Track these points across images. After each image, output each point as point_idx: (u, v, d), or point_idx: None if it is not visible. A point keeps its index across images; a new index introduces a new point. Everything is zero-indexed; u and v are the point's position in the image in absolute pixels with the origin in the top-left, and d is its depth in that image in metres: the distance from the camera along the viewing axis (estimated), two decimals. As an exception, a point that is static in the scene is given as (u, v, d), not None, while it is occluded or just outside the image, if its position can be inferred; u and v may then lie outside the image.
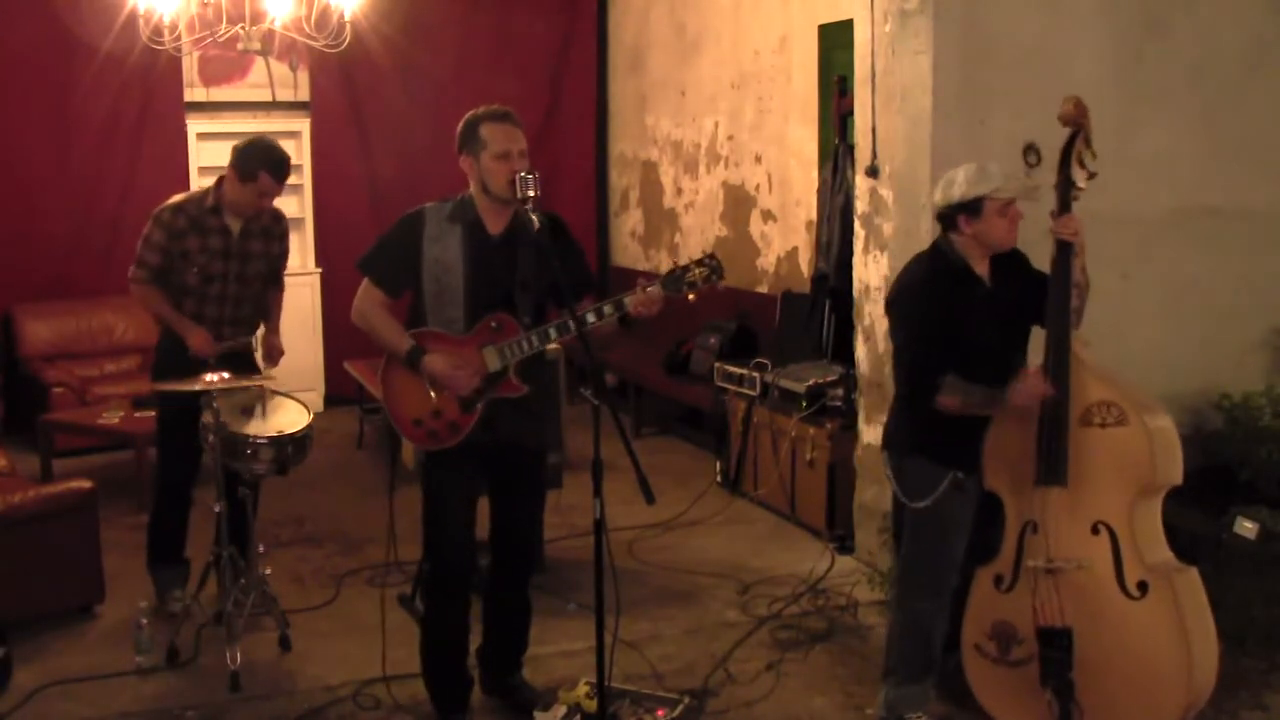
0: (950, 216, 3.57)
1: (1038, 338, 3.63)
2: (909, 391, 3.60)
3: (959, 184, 3.53)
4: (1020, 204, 3.59)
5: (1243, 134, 5.18)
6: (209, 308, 4.63)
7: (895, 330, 3.67)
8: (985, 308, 3.57)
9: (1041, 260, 3.60)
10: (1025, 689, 3.52)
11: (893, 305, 3.67)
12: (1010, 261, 3.65)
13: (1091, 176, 3.53)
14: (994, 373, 3.54)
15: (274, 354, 4.84)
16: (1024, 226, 3.63)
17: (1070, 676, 3.43)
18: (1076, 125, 3.51)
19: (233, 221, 4.63)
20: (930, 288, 3.56)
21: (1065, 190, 3.51)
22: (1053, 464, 3.44)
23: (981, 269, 3.60)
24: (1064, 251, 3.48)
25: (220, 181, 4.64)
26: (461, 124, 3.59)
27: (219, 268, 4.61)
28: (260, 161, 4.54)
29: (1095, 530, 3.42)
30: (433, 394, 3.57)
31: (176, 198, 4.65)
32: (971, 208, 3.52)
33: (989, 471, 3.59)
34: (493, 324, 3.57)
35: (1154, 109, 5.00)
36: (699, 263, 3.41)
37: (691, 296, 3.41)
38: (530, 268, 3.60)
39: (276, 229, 4.80)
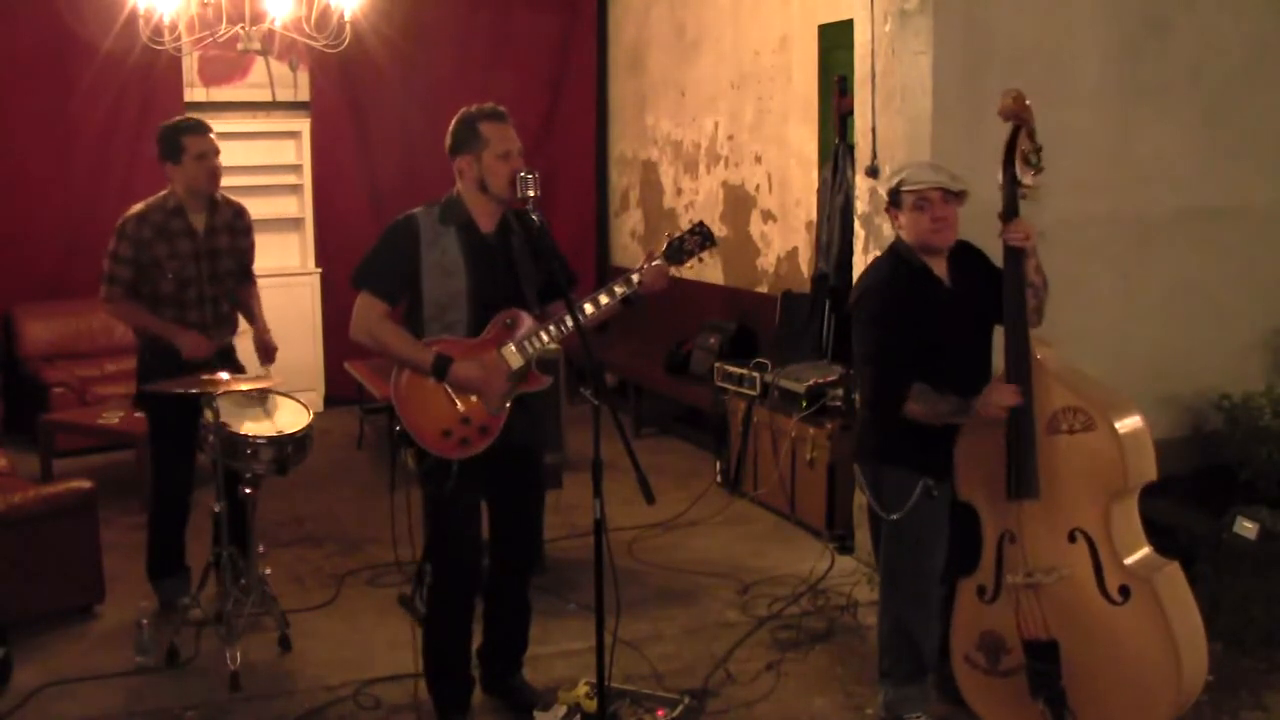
0: (887, 211, 3.61)
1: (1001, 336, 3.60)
2: (875, 402, 3.56)
3: (887, 177, 3.54)
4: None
5: (1243, 134, 5.18)
6: (190, 313, 4.59)
7: (858, 337, 3.61)
8: (947, 308, 3.53)
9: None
10: (1018, 698, 3.49)
11: (855, 310, 3.63)
12: (969, 260, 3.62)
13: (1038, 173, 3.42)
14: (960, 373, 3.51)
15: (268, 351, 4.80)
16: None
17: (1060, 686, 3.39)
18: (1018, 120, 3.41)
19: (196, 219, 4.59)
20: (890, 291, 3.53)
21: (1011, 191, 3.41)
22: (1023, 477, 3.37)
23: (940, 270, 3.56)
24: (1015, 258, 3.40)
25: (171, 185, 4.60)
26: (456, 123, 3.57)
27: (192, 271, 4.58)
28: (176, 133, 4.52)
29: (1072, 538, 3.37)
30: (458, 402, 3.55)
31: (137, 207, 4.57)
32: (892, 199, 3.55)
33: (962, 483, 3.55)
34: (506, 321, 3.56)
35: (1154, 109, 5.01)
36: (690, 232, 3.59)
37: (689, 267, 3.64)
38: (527, 262, 3.60)
39: (240, 224, 4.76)
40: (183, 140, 4.50)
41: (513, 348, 3.55)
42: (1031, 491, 3.38)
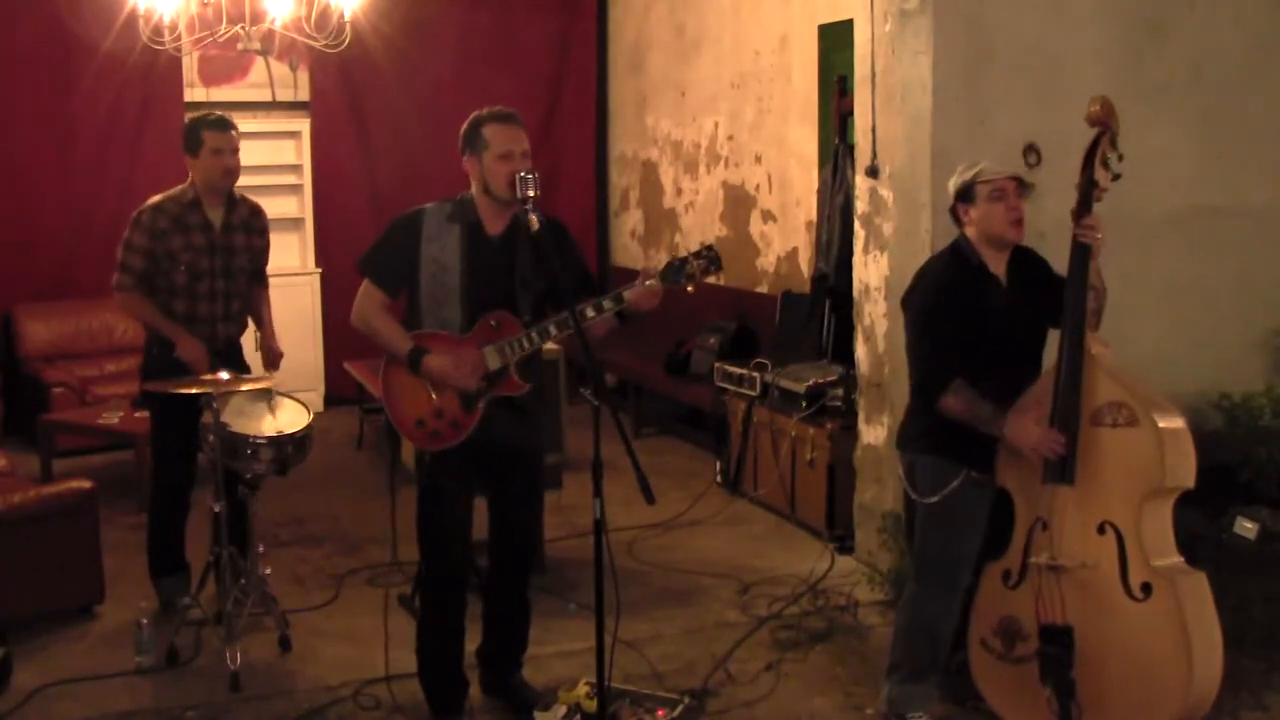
0: (954, 211, 3.63)
1: (1054, 341, 3.62)
2: (919, 388, 3.61)
3: (955, 176, 3.60)
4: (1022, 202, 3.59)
5: (1243, 134, 5.18)
6: (200, 306, 4.61)
7: (909, 325, 3.68)
8: (1002, 308, 3.58)
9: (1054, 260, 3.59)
10: (1029, 686, 3.51)
11: (908, 301, 3.69)
12: (1029, 264, 3.67)
13: (1116, 177, 3.52)
14: (1008, 373, 3.55)
15: (273, 358, 4.83)
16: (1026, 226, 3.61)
17: (1070, 675, 3.42)
18: (1104, 126, 3.51)
19: (213, 213, 4.61)
20: (946, 285, 3.58)
21: (1088, 191, 3.50)
22: (1061, 462, 3.43)
23: (998, 268, 3.61)
24: (1082, 253, 3.48)
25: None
26: (465, 124, 3.61)
27: (205, 264, 4.59)
28: (196, 127, 4.56)
29: (1102, 530, 3.40)
30: (434, 394, 3.58)
31: (154, 198, 4.61)
32: (965, 195, 3.58)
33: (1001, 468, 3.59)
34: (492, 322, 3.58)
35: (1154, 109, 5.00)
36: (697, 255, 3.48)
37: (690, 288, 3.49)
38: (529, 267, 3.60)
39: (256, 223, 4.78)
40: (202, 134, 4.54)
41: (492, 349, 3.56)
42: (1067, 477, 3.42)
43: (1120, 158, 3.51)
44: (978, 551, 3.65)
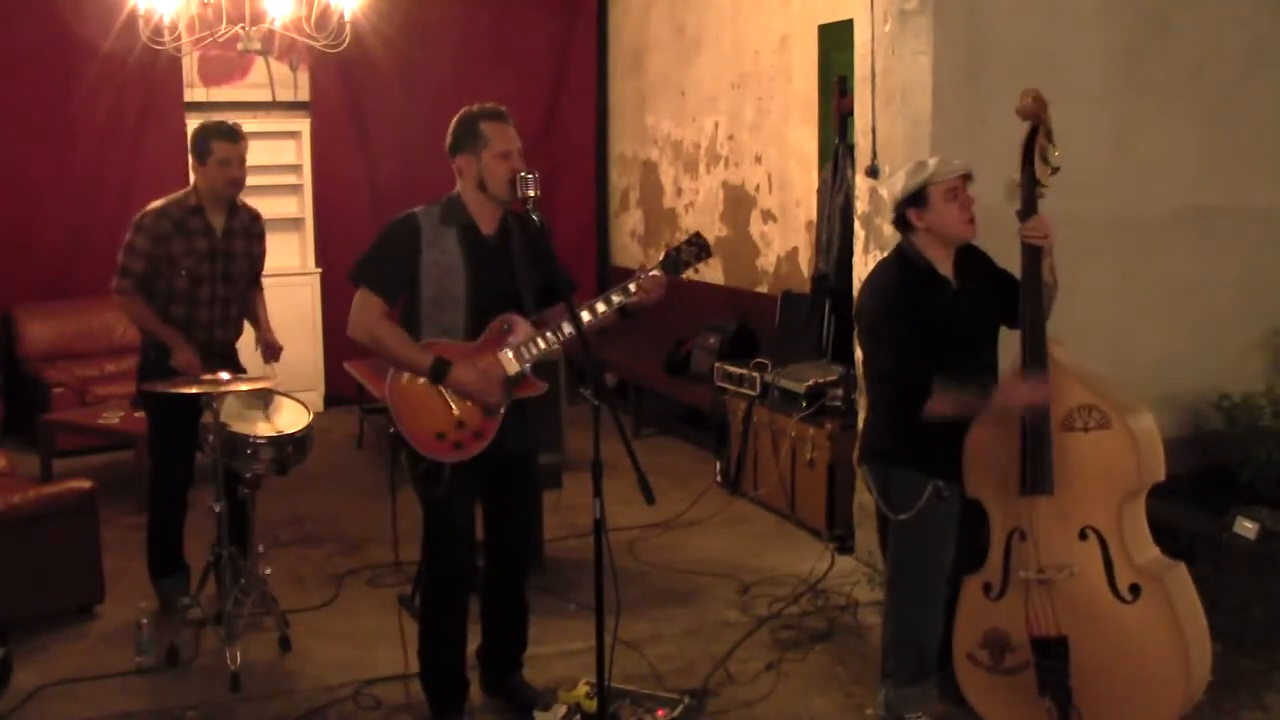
0: (901, 216, 3.54)
1: (1006, 337, 3.60)
2: (897, 401, 3.52)
3: (899, 181, 3.52)
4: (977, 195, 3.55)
5: (1242, 134, 5.18)
6: (200, 311, 4.62)
7: (867, 339, 3.60)
8: (954, 308, 3.52)
9: (1014, 260, 3.53)
10: (1021, 696, 3.48)
11: (863, 314, 3.61)
12: (974, 261, 3.61)
13: (1054, 171, 3.42)
14: (965, 373, 3.49)
15: (274, 350, 4.83)
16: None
17: (1068, 684, 3.39)
18: (1036, 119, 3.40)
19: (215, 219, 4.62)
20: (899, 293, 3.49)
21: (1030, 189, 3.40)
22: (1038, 473, 3.36)
23: (946, 269, 3.55)
24: (1033, 256, 3.39)
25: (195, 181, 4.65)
26: (457, 122, 3.56)
27: (206, 269, 4.60)
28: (206, 135, 4.56)
29: (1083, 535, 3.36)
30: (454, 405, 3.54)
31: (156, 203, 4.60)
32: (916, 199, 3.48)
33: (971, 480, 3.52)
34: (503, 326, 3.55)
35: (1154, 109, 5.01)
36: (688, 243, 3.59)
37: (686, 275, 3.62)
38: (526, 266, 3.59)
39: (255, 228, 4.79)
40: (211, 144, 4.54)
41: (509, 354, 3.53)
42: (1046, 487, 3.37)
43: (1056, 150, 3.39)
44: (952, 559, 3.60)
